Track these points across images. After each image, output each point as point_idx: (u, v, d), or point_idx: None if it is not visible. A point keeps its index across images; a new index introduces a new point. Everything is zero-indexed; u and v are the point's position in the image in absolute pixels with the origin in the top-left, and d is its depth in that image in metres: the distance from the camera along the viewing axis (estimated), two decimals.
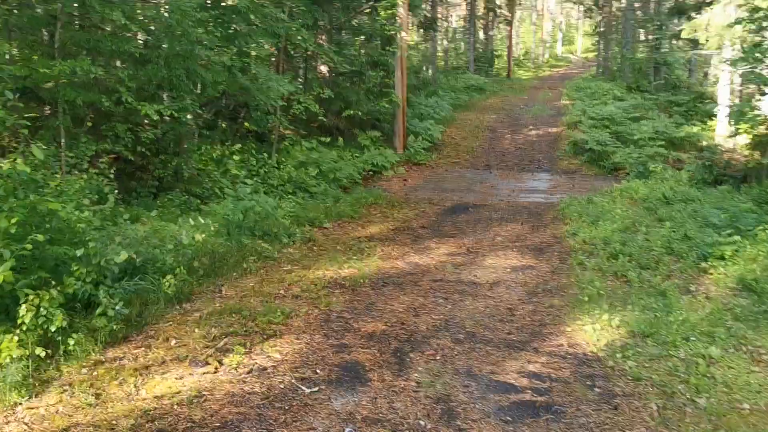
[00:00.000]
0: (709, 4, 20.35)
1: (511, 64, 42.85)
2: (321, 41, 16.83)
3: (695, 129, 19.09)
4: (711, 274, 7.43)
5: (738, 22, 10.29)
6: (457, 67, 39.22)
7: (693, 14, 22.18)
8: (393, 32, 16.10)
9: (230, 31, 13.13)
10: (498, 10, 42.23)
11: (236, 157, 9.95)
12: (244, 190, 8.32)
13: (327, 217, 10.62)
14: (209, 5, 11.91)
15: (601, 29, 40.48)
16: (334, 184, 12.82)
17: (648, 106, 21.18)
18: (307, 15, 13.93)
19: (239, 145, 12.04)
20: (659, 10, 29.98)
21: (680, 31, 24.40)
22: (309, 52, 15.90)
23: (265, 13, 12.94)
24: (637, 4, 34.66)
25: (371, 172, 15.39)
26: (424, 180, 15.13)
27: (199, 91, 12.43)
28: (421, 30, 27.26)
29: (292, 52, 14.50)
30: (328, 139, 13.51)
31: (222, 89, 13.30)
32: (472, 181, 14.94)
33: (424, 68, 32.07)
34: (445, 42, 45.17)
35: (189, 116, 12.87)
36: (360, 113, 15.67)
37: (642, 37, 40.20)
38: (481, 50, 40.33)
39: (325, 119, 14.58)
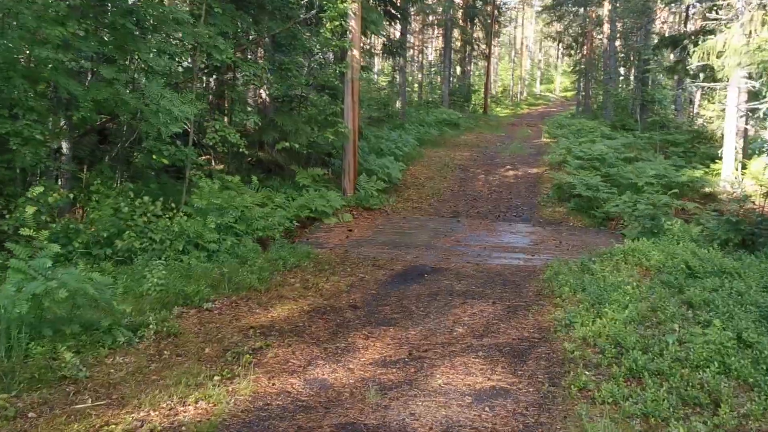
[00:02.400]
0: (711, 32, 17.86)
1: (488, 100, 40.45)
2: (259, 59, 13.86)
3: (698, 173, 16.31)
4: None
5: None
6: (431, 101, 36.59)
7: (688, 45, 19.62)
8: (342, 48, 13.15)
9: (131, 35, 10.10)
10: (475, 44, 39.90)
11: (30, 209, 6.66)
12: (42, 262, 5.13)
13: (216, 291, 7.45)
14: None
15: (582, 67, 38.27)
16: (249, 237, 9.65)
17: (641, 145, 18.44)
18: (226, 21, 10.92)
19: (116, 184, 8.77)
20: (646, 43, 27.63)
21: (675, 62, 21.95)
22: (238, 71, 12.91)
23: (165, 14, 9.92)
24: (618, 43, 32.40)
25: (309, 219, 12.29)
26: (374, 230, 12.02)
27: (69, 112, 9.32)
28: (387, 56, 24.46)
29: (203, 66, 11.39)
30: (237, 178, 10.32)
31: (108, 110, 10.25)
32: (435, 232, 11.87)
33: (397, 101, 29.27)
34: (419, 75, 42.73)
35: (65, 145, 9.75)
36: (297, 146, 12.58)
37: (622, 76, 38.05)
38: (457, 85, 37.77)
39: (247, 152, 11.46)
